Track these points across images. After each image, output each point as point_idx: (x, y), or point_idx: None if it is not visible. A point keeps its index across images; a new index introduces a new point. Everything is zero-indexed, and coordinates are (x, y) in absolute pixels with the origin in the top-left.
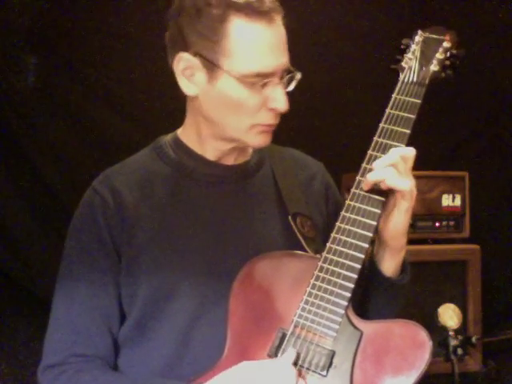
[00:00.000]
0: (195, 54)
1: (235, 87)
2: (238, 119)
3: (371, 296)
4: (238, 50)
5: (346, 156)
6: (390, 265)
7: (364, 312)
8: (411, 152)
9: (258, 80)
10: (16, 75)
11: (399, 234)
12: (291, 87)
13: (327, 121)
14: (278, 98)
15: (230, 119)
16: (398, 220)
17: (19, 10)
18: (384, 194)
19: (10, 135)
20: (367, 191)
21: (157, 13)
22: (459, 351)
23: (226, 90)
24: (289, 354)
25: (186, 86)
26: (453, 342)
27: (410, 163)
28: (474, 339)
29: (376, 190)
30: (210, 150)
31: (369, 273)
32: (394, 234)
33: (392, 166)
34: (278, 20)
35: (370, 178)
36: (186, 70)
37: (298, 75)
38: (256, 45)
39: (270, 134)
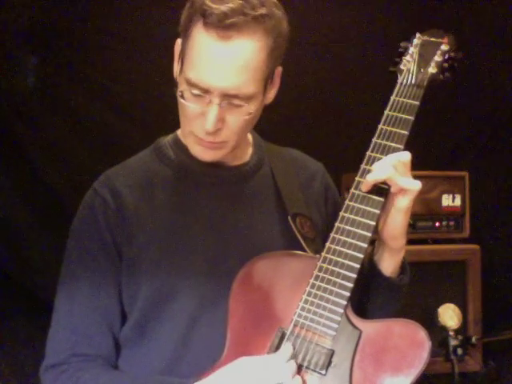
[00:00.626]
0: (181, 44)
1: (182, 87)
2: (182, 120)
3: (370, 296)
4: (189, 53)
5: (346, 156)
6: (389, 265)
7: (363, 312)
8: (407, 156)
9: (197, 91)
10: (16, 75)
11: (398, 234)
12: (234, 117)
13: (327, 121)
14: (206, 117)
15: (180, 118)
16: (398, 220)
17: (19, 10)
18: (383, 195)
19: (10, 135)
20: (366, 192)
21: (157, 13)
22: (459, 351)
23: (179, 87)
24: (285, 349)
25: (175, 72)
26: (453, 342)
27: (408, 167)
28: (473, 339)
29: (375, 190)
30: None
31: (368, 272)
32: (393, 234)
33: (392, 166)
34: (239, 40)
35: (369, 179)
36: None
37: (247, 108)
38: (199, 55)
39: (207, 150)
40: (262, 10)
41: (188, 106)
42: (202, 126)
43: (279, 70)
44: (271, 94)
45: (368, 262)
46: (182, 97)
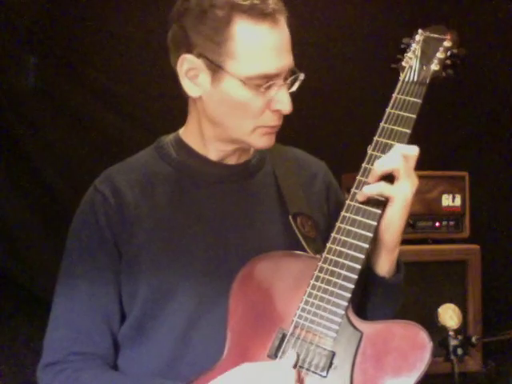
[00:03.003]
0: (199, 56)
1: (239, 89)
2: (241, 121)
3: (368, 296)
4: (242, 51)
5: (346, 156)
6: (384, 264)
7: (363, 313)
8: (413, 151)
9: (263, 82)
10: (16, 75)
11: (395, 229)
12: (294, 88)
13: (327, 121)
14: (282, 100)
15: (234, 121)
16: (395, 215)
17: (19, 10)
18: (384, 196)
19: (10, 135)
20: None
21: (157, 13)
22: (459, 351)
23: (230, 92)
24: (289, 356)
25: (190, 87)
26: (453, 342)
27: (412, 162)
28: (473, 339)
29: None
30: (213, 150)
31: (364, 273)
32: (388, 228)
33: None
34: (282, 21)
35: (365, 192)
36: (190, 72)
37: (302, 76)
38: (260, 46)
39: (273, 136)
40: None
41: (256, 101)
42: (271, 114)
43: None
44: None
45: (364, 262)
46: (249, 96)
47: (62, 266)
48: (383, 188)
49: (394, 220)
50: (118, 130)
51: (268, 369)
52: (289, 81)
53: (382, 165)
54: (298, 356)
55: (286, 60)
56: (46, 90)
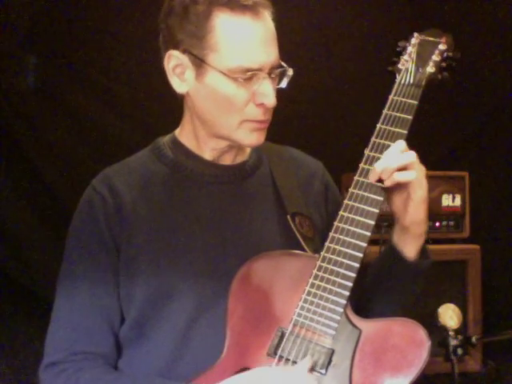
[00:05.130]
0: (184, 52)
1: (222, 82)
2: (227, 115)
3: (392, 283)
4: (223, 44)
5: (346, 156)
6: (411, 249)
7: (386, 301)
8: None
9: (245, 75)
10: (16, 75)
11: (419, 221)
12: (283, 84)
13: (327, 121)
14: (266, 93)
15: (220, 116)
16: (416, 210)
17: (19, 10)
18: (382, 194)
19: (10, 135)
20: (365, 191)
21: (157, 13)
22: (459, 351)
23: (214, 86)
24: (305, 361)
25: (177, 84)
26: (453, 342)
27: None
28: (474, 339)
29: (374, 188)
30: (207, 149)
31: (390, 260)
32: (414, 221)
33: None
34: (265, 14)
35: (396, 178)
36: (177, 68)
37: (290, 71)
38: (241, 39)
39: (261, 132)
40: None
41: (239, 94)
42: (255, 108)
43: None
44: None
45: (389, 250)
46: (232, 89)
47: (62, 266)
48: (412, 176)
49: (417, 211)
50: (118, 130)
51: (284, 373)
52: (273, 74)
53: (397, 160)
54: (315, 362)
55: (269, 53)
56: (45, 90)
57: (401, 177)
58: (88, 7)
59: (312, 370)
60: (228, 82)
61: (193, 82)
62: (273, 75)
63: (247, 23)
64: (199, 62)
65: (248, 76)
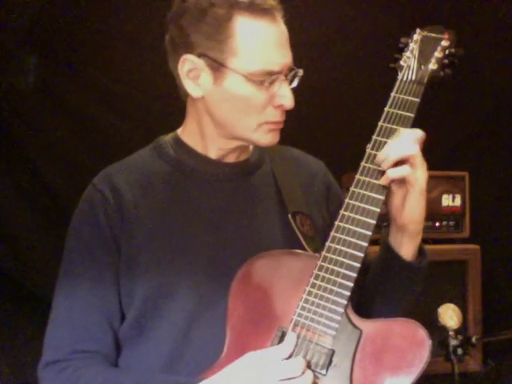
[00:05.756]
0: (200, 55)
1: (242, 86)
2: (245, 118)
3: (391, 284)
4: (244, 48)
5: (346, 156)
6: (408, 249)
7: (386, 302)
8: (420, 133)
9: (265, 77)
10: (16, 75)
11: (417, 219)
12: (295, 84)
13: (327, 121)
14: (285, 95)
15: (238, 118)
16: (414, 205)
17: (19, 10)
18: (383, 192)
19: (10, 135)
20: (366, 190)
21: (157, 13)
22: (459, 351)
23: (234, 89)
24: (290, 338)
25: (192, 88)
26: (453, 342)
27: (421, 146)
28: (474, 339)
29: (375, 187)
30: (214, 149)
31: (387, 260)
32: (411, 219)
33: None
34: (280, 18)
35: (391, 175)
36: (191, 72)
37: (301, 72)
38: (262, 42)
39: (277, 132)
40: None
41: (259, 96)
42: (274, 110)
43: None
44: None
45: (385, 250)
46: (252, 92)
47: (62, 265)
48: (407, 171)
49: (417, 208)
50: (118, 130)
51: (270, 352)
52: (289, 76)
53: (396, 151)
54: (316, 363)
55: (287, 56)
56: (45, 90)
57: (393, 173)
58: (88, 7)
59: (311, 369)
60: (249, 85)
61: (209, 85)
62: (288, 77)
63: (266, 27)
64: (217, 66)
65: (270, 79)
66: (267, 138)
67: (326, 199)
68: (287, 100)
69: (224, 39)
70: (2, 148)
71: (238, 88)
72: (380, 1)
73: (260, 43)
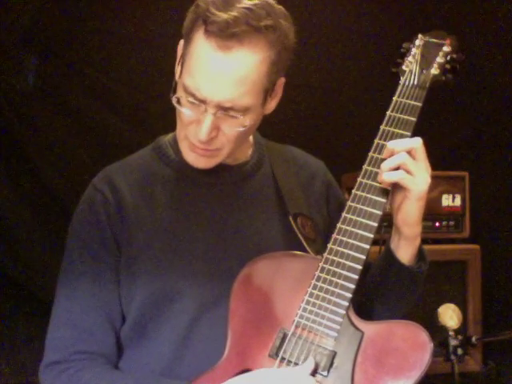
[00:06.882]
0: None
1: (180, 92)
2: (178, 124)
3: (389, 286)
4: (188, 59)
5: (346, 156)
6: (405, 252)
7: (385, 304)
8: (415, 143)
9: (193, 99)
10: (16, 75)
11: (410, 222)
12: (228, 130)
13: (327, 121)
14: (200, 126)
15: (177, 122)
16: (410, 208)
17: (19, 10)
18: (385, 196)
19: (10, 135)
20: (369, 192)
21: (157, 13)
22: (459, 351)
23: (177, 91)
24: (308, 363)
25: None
26: (453, 342)
27: (420, 155)
28: (474, 339)
29: (377, 190)
30: None
31: (386, 262)
32: (407, 221)
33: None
34: (239, 52)
35: (386, 178)
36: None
37: (243, 121)
38: (197, 64)
39: (200, 158)
40: (268, 21)
41: (184, 112)
42: (197, 132)
43: (282, 80)
44: (271, 105)
45: (385, 252)
46: (179, 102)
47: (62, 265)
48: (400, 176)
49: (411, 212)
50: (118, 129)
51: (286, 375)
52: (218, 114)
53: (387, 163)
54: (317, 364)
55: (218, 91)
56: (45, 90)
57: (388, 177)
58: (88, 7)
59: (314, 372)
60: (183, 94)
61: (177, 78)
62: (218, 114)
63: (210, 52)
64: (180, 66)
65: (191, 101)
66: (190, 156)
67: (326, 199)
68: (200, 132)
69: (188, 42)
70: (1, 148)
71: (178, 93)
72: (382, 5)
73: (196, 64)
